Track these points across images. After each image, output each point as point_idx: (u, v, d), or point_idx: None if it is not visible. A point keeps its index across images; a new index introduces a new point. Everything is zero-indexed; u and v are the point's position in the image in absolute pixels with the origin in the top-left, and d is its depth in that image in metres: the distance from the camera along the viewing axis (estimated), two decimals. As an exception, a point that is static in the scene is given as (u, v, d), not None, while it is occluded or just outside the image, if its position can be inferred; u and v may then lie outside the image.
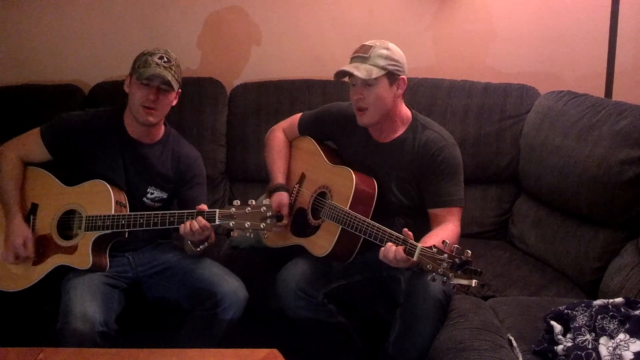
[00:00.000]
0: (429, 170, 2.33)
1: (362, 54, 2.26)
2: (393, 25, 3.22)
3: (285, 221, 2.45)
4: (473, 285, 1.88)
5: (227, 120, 3.19)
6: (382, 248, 2.09)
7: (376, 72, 2.24)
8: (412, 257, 1.99)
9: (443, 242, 1.95)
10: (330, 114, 2.56)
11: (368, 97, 2.27)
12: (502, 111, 2.97)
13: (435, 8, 3.23)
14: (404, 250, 2.02)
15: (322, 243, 2.36)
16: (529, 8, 3.19)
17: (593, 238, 2.53)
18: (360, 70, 2.24)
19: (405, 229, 2.07)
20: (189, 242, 2.35)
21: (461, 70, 3.18)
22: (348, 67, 2.26)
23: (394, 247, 2.05)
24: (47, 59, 3.37)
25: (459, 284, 1.90)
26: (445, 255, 1.91)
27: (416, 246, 2.00)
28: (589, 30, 3.15)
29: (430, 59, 3.29)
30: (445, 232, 2.19)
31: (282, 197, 2.46)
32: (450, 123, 2.92)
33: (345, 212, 2.28)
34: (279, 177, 2.54)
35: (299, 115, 2.65)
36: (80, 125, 2.44)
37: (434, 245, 1.96)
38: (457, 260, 1.89)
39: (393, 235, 2.11)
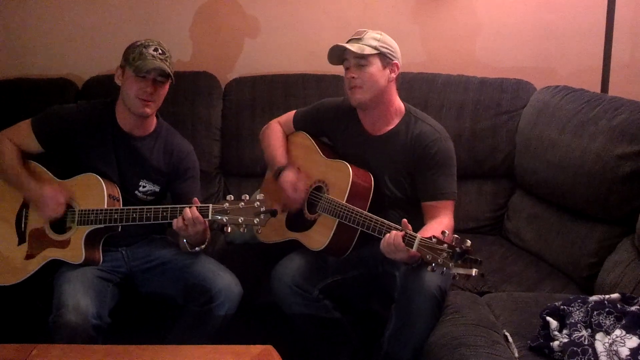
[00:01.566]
0: (422, 162, 2.33)
1: (356, 37, 2.33)
2: (388, 20, 3.22)
3: (302, 195, 2.43)
4: (473, 274, 1.88)
5: (221, 114, 3.17)
6: (383, 239, 2.09)
7: (369, 50, 2.29)
8: (412, 248, 1.99)
9: (442, 232, 1.96)
10: (325, 108, 2.57)
11: (361, 76, 2.31)
12: (498, 106, 2.96)
13: (431, 3, 3.22)
14: (403, 240, 2.02)
15: (318, 237, 2.35)
16: (525, 3, 3.18)
17: (589, 234, 2.52)
18: (353, 46, 2.29)
19: (405, 220, 2.08)
20: (185, 242, 2.34)
21: (457, 66, 3.18)
22: (342, 44, 2.31)
23: (393, 232, 2.05)
24: (40, 53, 3.35)
25: (459, 274, 1.90)
26: (445, 245, 1.92)
27: (415, 237, 2.00)
28: (585, 25, 3.15)
29: (425, 54, 3.28)
30: (440, 225, 2.19)
31: (291, 174, 2.44)
32: (446, 118, 2.91)
33: (342, 205, 2.27)
34: (283, 160, 2.52)
35: (293, 112, 2.65)
36: (72, 118, 2.42)
37: (433, 236, 1.96)
38: (457, 249, 1.89)
39: (391, 226, 2.11)
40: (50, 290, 2.24)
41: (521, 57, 3.23)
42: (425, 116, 2.44)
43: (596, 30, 3.04)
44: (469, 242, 1.89)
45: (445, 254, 1.91)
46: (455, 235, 1.93)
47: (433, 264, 1.93)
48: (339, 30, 3.12)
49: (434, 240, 1.95)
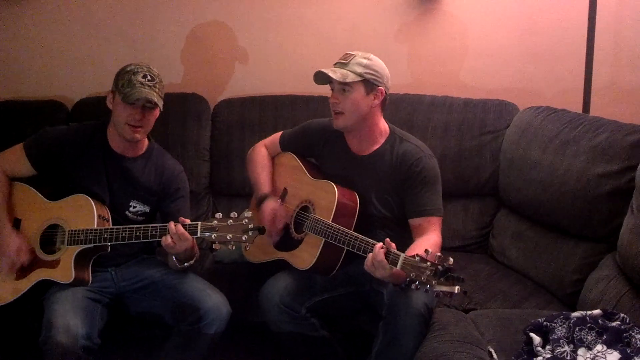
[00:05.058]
0: (408, 181, 2.37)
1: (342, 61, 2.35)
2: (375, 42, 3.26)
3: (280, 226, 2.46)
4: (456, 291, 1.90)
5: (210, 135, 3.20)
6: (367, 258, 2.11)
7: (352, 77, 2.30)
8: (396, 266, 2.02)
9: (425, 250, 1.98)
10: (311, 129, 2.60)
11: (343, 102, 2.34)
12: (482, 126, 3.01)
13: (416, 26, 3.27)
14: (387, 258, 2.04)
15: (305, 256, 2.38)
16: (508, 26, 3.24)
17: (572, 251, 2.56)
18: (336, 73, 2.31)
19: (387, 239, 2.10)
20: (174, 258, 2.36)
21: (442, 87, 3.22)
22: (325, 69, 2.33)
23: (376, 249, 2.08)
24: (30, 75, 3.37)
25: (442, 291, 1.92)
26: (428, 263, 1.94)
27: (399, 255, 2.03)
28: (567, 47, 3.20)
29: (411, 75, 3.33)
30: (428, 242, 2.22)
31: (273, 204, 2.48)
32: (431, 138, 2.96)
33: (328, 225, 2.30)
34: (265, 187, 2.56)
35: (280, 133, 2.68)
36: (64, 139, 2.45)
37: (416, 254, 1.99)
38: (439, 267, 1.91)
39: (376, 245, 2.13)
40: (41, 310, 2.25)
41: (505, 78, 3.28)
42: (409, 136, 2.47)
43: (577, 52, 3.09)
44: (451, 260, 1.92)
45: (428, 272, 1.93)
46: (438, 254, 1.96)
47: (417, 282, 1.95)
48: (327, 52, 3.15)
49: (417, 258, 1.97)
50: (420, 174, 2.36)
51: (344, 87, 2.32)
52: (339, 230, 2.27)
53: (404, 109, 3.06)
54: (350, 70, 2.31)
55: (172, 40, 3.33)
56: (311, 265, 2.34)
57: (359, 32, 3.29)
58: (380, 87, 2.35)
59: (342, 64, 2.33)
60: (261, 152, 2.67)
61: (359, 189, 2.43)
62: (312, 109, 3.13)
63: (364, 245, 2.18)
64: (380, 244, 2.09)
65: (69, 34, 3.33)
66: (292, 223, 2.49)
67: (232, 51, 3.35)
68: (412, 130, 2.65)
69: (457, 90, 3.17)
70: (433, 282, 1.92)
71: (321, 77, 2.37)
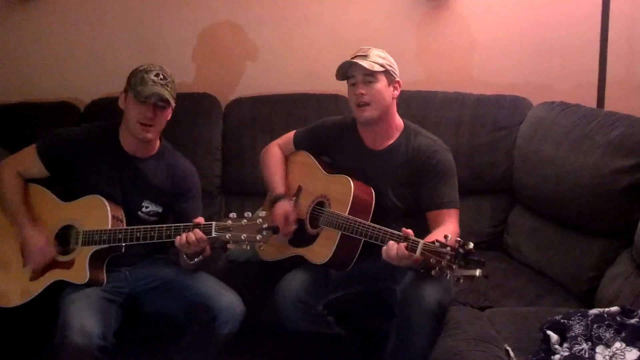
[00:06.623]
0: (424, 173, 2.37)
1: (362, 53, 2.37)
2: (386, 40, 3.22)
3: (292, 227, 2.46)
4: (477, 275, 1.88)
5: (222, 134, 3.20)
6: (384, 247, 2.10)
7: (377, 67, 2.34)
8: (415, 253, 2.00)
9: (445, 236, 1.97)
10: (324, 126, 2.60)
11: (369, 92, 2.35)
12: (495, 122, 2.99)
13: (426, 22, 3.26)
14: (406, 248, 2.03)
15: (322, 250, 2.37)
16: (520, 20, 3.22)
17: (588, 247, 2.54)
18: (365, 62, 2.33)
19: (404, 229, 2.09)
20: (184, 255, 2.36)
21: (454, 83, 3.21)
22: (353, 59, 2.35)
23: (395, 245, 2.07)
24: (42, 77, 3.38)
25: (464, 276, 1.90)
26: (448, 247, 1.92)
27: (418, 242, 2.02)
28: (580, 41, 3.18)
29: (422, 72, 3.31)
30: (446, 231, 2.19)
31: (286, 205, 2.47)
32: (444, 134, 2.91)
33: (345, 217, 2.29)
34: (279, 188, 2.56)
35: (293, 132, 2.68)
36: (76, 140, 2.46)
37: (436, 240, 1.98)
38: (460, 250, 1.89)
39: (394, 234, 2.12)
40: (55, 310, 2.26)
41: (518, 73, 3.26)
42: (423, 130, 2.48)
43: (591, 46, 3.07)
44: (471, 244, 1.90)
45: (448, 257, 1.91)
46: (458, 238, 1.93)
47: (437, 268, 1.93)
48: (337, 50, 3.14)
49: (436, 244, 1.96)
50: (436, 167, 2.36)
51: (369, 78, 2.34)
52: (355, 221, 2.26)
53: (416, 106, 3.04)
54: (373, 62, 2.33)
55: (183, 40, 3.34)
56: (328, 258, 2.33)
57: (369, 30, 3.28)
58: (397, 79, 2.39)
59: (363, 57, 2.35)
60: (275, 152, 2.67)
61: (375, 183, 2.42)
62: (322, 107, 3.13)
63: (381, 234, 2.17)
64: (395, 244, 2.08)
65: (81, 35, 3.34)
66: (308, 219, 2.49)
67: (243, 50, 3.36)
68: (424, 127, 2.62)
69: (469, 87, 3.15)
70: (454, 266, 1.90)
71: (343, 71, 2.38)
